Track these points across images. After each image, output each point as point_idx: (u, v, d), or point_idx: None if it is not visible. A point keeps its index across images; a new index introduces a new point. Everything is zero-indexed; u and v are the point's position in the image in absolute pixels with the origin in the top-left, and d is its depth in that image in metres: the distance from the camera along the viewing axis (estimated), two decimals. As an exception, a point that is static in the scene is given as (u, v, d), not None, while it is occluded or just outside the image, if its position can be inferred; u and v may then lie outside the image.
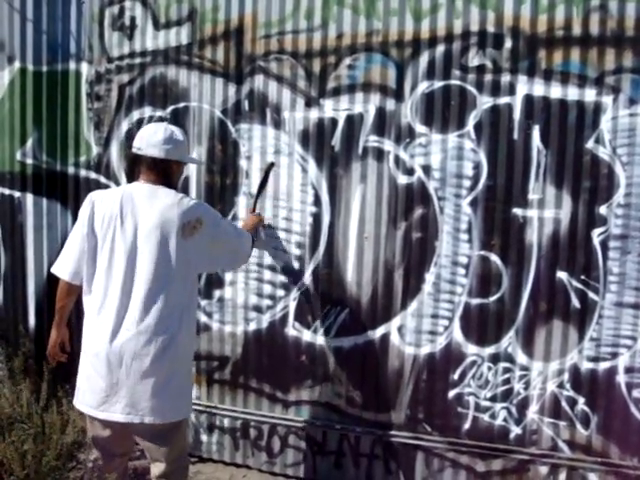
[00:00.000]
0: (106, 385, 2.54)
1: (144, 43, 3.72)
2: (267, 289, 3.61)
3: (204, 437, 3.80)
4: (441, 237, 3.28)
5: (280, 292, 3.59)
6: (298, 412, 3.60)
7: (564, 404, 3.22)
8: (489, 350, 3.28)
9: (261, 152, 3.54)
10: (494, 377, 3.28)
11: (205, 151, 3.64)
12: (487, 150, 3.18)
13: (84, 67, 3.85)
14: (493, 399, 3.30)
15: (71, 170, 3.94)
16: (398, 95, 3.28)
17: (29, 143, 3.94)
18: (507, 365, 3.26)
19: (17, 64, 3.91)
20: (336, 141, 3.40)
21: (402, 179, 3.32)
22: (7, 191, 4.02)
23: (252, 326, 3.65)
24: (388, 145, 3.32)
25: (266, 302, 3.61)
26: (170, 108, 3.70)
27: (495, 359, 3.27)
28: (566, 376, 3.19)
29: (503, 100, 3.15)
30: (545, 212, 3.15)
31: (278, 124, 3.50)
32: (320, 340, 3.52)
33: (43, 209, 3.99)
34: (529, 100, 3.11)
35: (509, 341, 3.24)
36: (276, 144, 3.51)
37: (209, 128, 3.62)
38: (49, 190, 3.97)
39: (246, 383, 3.68)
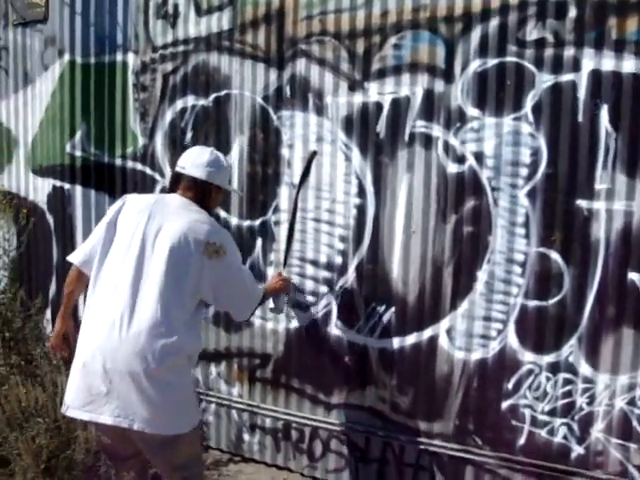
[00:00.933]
0: (97, 385, 2.40)
1: (187, 30, 3.63)
2: (309, 285, 3.42)
3: (246, 436, 3.69)
4: (495, 232, 2.99)
5: (323, 289, 3.39)
6: (340, 415, 3.40)
7: (635, 424, 2.84)
8: (548, 358, 2.95)
9: (303, 140, 3.37)
10: (553, 389, 2.95)
11: (247, 140, 3.52)
12: (547, 134, 2.86)
13: (130, 57, 3.83)
14: (552, 413, 2.97)
15: (118, 162, 3.93)
16: (448, 75, 3.01)
17: (78, 135, 3.97)
18: (568, 376, 2.93)
19: (67, 57, 3.95)
20: (381, 127, 3.17)
21: (452, 168, 3.05)
22: (58, 183, 4.07)
23: (294, 323, 3.47)
24: (437, 130, 3.06)
25: (308, 299, 3.43)
26: (212, 96, 3.59)
27: (555, 369, 2.94)
28: (638, 392, 2.81)
29: (566, 77, 2.80)
30: (614, 204, 2.78)
31: (320, 110, 3.31)
32: (364, 340, 3.31)
33: (91, 200, 4.02)
34: (596, 76, 2.75)
35: (571, 349, 2.90)
36: (318, 131, 3.33)
37: (250, 116, 3.49)
38: (97, 182, 3.99)
39: (288, 383, 3.54)
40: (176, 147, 3.71)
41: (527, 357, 2.98)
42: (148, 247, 2.46)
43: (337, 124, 3.27)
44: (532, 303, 2.95)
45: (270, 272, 3.54)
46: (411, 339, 3.20)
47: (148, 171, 3.85)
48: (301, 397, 3.51)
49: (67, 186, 4.03)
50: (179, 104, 3.70)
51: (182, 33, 3.65)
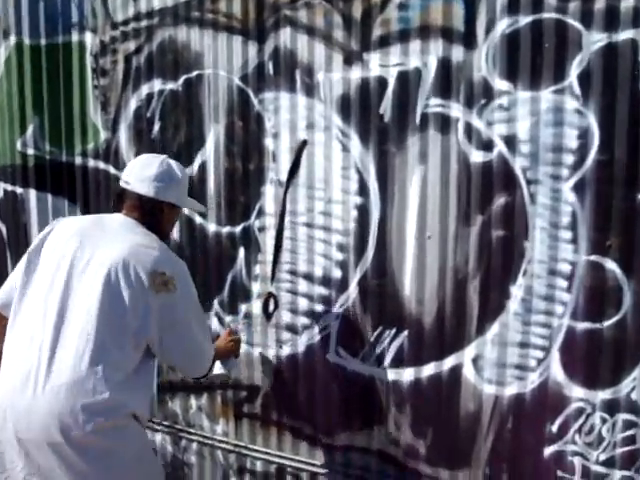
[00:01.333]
0: (10, 458, 1.91)
1: (150, 1, 3.10)
2: (302, 304, 2.85)
3: (234, 480, 3.14)
4: (533, 236, 2.40)
5: (319, 308, 2.82)
6: (343, 460, 2.86)
7: None
8: (603, 395, 2.36)
9: (290, 127, 2.81)
10: (610, 433, 2.37)
11: (223, 129, 2.98)
12: (599, 111, 2.25)
13: (88, 37, 3.31)
14: (610, 463, 2.38)
15: (78, 160, 3.44)
16: (468, 40, 2.42)
17: (29, 130, 3.52)
18: (630, 417, 2.34)
19: (13, 38, 3.49)
20: (386, 108, 2.59)
21: (476, 156, 2.46)
22: (9, 187, 3.58)
23: (286, 350, 2.90)
24: (456, 110, 2.47)
25: (302, 320, 2.85)
26: (182, 78, 3.07)
27: (612, 408, 2.35)
28: None
29: (624, 36, 2.19)
30: (688, 198, 2.17)
31: (311, 90, 2.74)
32: (370, 371, 2.76)
33: (48, 206, 3.55)
34: (665, 32, 2.14)
35: (633, 384, 2.31)
36: (309, 116, 2.76)
37: (227, 100, 2.95)
38: (54, 184, 3.51)
39: (280, 420, 3.03)
40: (142, 141, 3.21)
41: (576, 393, 2.41)
42: (75, 279, 2.00)
43: (331, 106, 2.71)
44: (582, 325, 2.37)
45: (255, 288, 2.97)
46: (429, 369, 2.64)
47: (112, 170, 3.34)
48: (296, 437, 2.99)
49: (19, 190, 3.57)
50: (144, 89, 3.17)
51: (145, 5, 3.10)
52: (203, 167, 3.03)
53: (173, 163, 2.25)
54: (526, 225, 2.41)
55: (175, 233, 3.16)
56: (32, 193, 3.50)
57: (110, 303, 1.95)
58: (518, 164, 2.39)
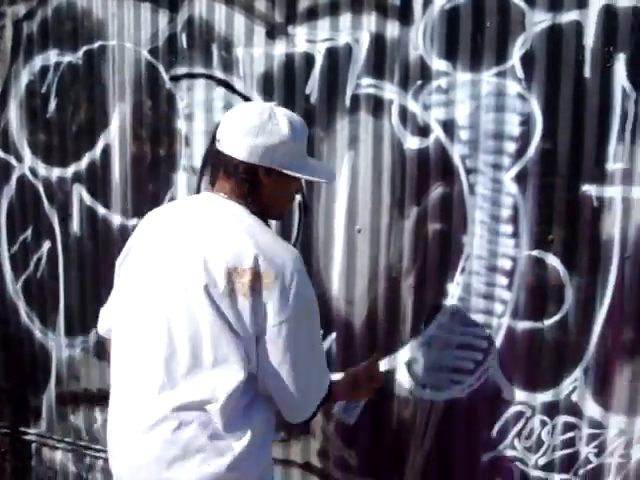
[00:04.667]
0: None
1: None
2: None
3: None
4: (472, 230, 2.25)
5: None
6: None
7: (658, 478, 2.18)
8: (543, 397, 2.25)
9: (206, 108, 2.55)
10: (550, 436, 2.27)
11: (130, 109, 2.69)
12: (542, 96, 2.11)
13: None
14: (549, 467, 2.28)
15: None
16: (404, 15, 2.22)
17: None
18: (571, 420, 2.24)
19: None
20: (312, 88, 2.37)
21: (411, 142, 2.28)
22: None
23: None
24: (390, 91, 2.28)
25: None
26: (82, 50, 2.74)
27: (552, 411, 2.25)
28: (663, 438, 2.15)
29: (567, 17, 2.05)
30: (633, 190, 2.07)
31: (229, 66, 2.48)
32: None
33: None
34: (610, 15, 2.02)
35: (574, 385, 2.21)
36: (226, 95, 2.50)
37: (134, 76, 2.67)
38: None
39: None
40: (37, 120, 2.85)
41: (516, 396, 2.29)
42: (155, 302, 1.57)
43: (252, 85, 2.46)
44: (522, 325, 2.24)
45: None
46: (359, 374, 2.41)
47: (0, 154, 2.94)
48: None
49: None
50: (38, 61, 2.83)
51: (37, -37, 2.72)
52: (106, 152, 2.72)
53: (281, 112, 1.61)
54: (465, 218, 2.25)
55: (75, 226, 2.83)
56: None
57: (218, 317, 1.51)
58: (457, 152, 2.23)
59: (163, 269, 1.57)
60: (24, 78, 2.84)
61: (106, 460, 2.86)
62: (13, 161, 2.92)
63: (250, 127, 1.55)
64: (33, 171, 2.88)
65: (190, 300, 1.51)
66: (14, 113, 2.88)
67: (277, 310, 1.50)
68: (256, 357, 1.53)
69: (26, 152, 2.89)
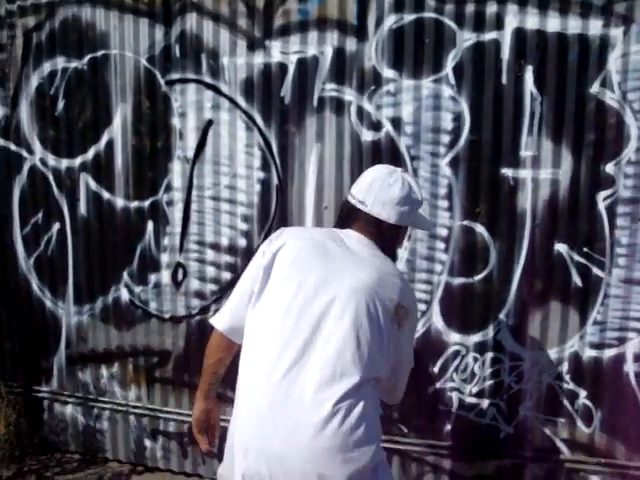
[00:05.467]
0: None
1: None
2: (210, 272, 3.04)
3: (148, 443, 3.33)
4: (416, 205, 2.72)
5: (225, 275, 3.03)
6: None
7: (563, 398, 2.75)
8: (475, 338, 2.79)
9: (197, 108, 2.97)
10: (481, 369, 2.80)
11: (130, 108, 3.06)
12: (470, 98, 2.64)
13: None
14: (480, 395, 2.83)
15: None
16: (360, 33, 2.71)
17: None
18: (496, 355, 2.78)
19: None
20: (286, 91, 2.83)
21: (367, 135, 2.77)
22: None
23: (196, 316, 3.09)
24: (349, 94, 2.76)
25: (210, 287, 3.05)
26: (87, 57, 3.09)
27: (482, 348, 2.79)
28: (565, 366, 2.73)
29: (489, 36, 2.59)
30: (541, 172, 2.63)
31: (216, 73, 2.91)
32: None
33: None
34: (521, 35, 2.56)
35: (498, 327, 2.75)
36: (214, 98, 2.93)
37: (134, 80, 3.03)
38: None
39: (191, 381, 3.17)
40: (46, 118, 3.21)
41: (453, 338, 2.81)
42: (321, 306, 1.73)
43: (236, 89, 2.90)
44: (457, 281, 2.77)
45: (164, 259, 3.12)
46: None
47: (13, 147, 3.29)
48: (208, 396, 3.15)
49: None
50: (47, 67, 3.18)
51: (45, -19, 3.09)
52: (110, 144, 3.10)
53: (412, 182, 1.92)
54: (410, 196, 2.76)
55: (82, 209, 3.21)
56: None
57: (365, 333, 1.70)
58: (403, 143, 2.73)
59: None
60: (34, 81, 3.18)
61: (111, 410, 3.30)
62: (25, 153, 3.25)
63: (400, 197, 1.85)
64: (43, 162, 3.22)
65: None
66: (25, 112, 3.21)
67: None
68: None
69: (37, 146, 3.22)
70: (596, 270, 2.62)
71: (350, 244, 1.85)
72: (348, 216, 1.93)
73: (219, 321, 1.92)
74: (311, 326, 1.71)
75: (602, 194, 2.58)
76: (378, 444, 1.71)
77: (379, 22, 2.67)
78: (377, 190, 1.86)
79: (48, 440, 3.45)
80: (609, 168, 2.55)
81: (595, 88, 2.52)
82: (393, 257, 1.99)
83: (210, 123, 2.95)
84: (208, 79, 2.92)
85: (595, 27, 2.49)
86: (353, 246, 1.85)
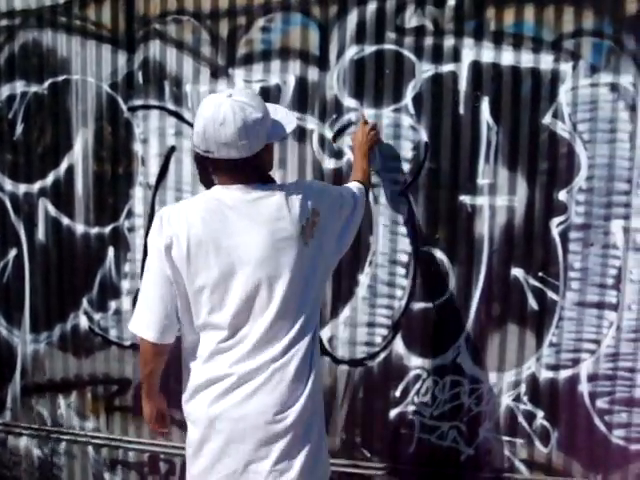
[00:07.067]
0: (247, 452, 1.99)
1: (10, 1, 3.05)
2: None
3: (107, 475, 3.23)
4: (376, 231, 2.81)
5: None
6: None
7: (521, 419, 2.82)
8: (435, 362, 2.84)
9: (159, 134, 2.98)
10: (441, 393, 2.85)
11: (92, 134, 3.04)
12: (428, 127, 2.72)
13: None
14: (441, 417, 2.87)
15: None
16: (322, 63, 2.77)
17: None
18: (456, 378, 2.83)
19: None
20: (250, 119, 2.82)
21: (329, 163, 2.82)
22: None
23: (157, 342, 3.05)
24: (311, 123, 2.82)
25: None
26: (48, 82, 3.07)
27: (442, 372, 2.84)
28: (523, 388, 2.79)
29: (446, 68, 2.68)
30: (497, 199, 2.71)
31: (179, 100, 2.92)
32: None
33: None
34: (476, 68, 2.66)
35: (458, 350, 2.81)
36: (177, 124, 2.95)
37: (96, 106, 3.04)
38: None
39: None
40: (4, 143, 3.17)
41: (414, 362, 2.85)
42: (242, 285, 1.88)
43: (199, 116, 2.90)
44: (418, 305, 2.82)
45: (125, 285, 3.09)
46: (291, 351, 2.91)
47: None
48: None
49: None
50: (5, 90, 3.15)
51: (4, 4, 3.08)
52: (71, 170, 3.07)
53: (240, 101, 1.82)
54: (371, 222, 2.80)
55: (40, 234, 3.16)
56: None
57: (288, 292, 1.89)
58: (364, 171, 2.79)
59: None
60: (-8, 105, 3.17)
61: (69, 442, 3.21)
62: (-8, 183, 3.18)
63: (235, 133, 1.79)
64: (0, 187, 3.17)
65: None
66: (-19, 135, 3.20)
67: None
68: None
69: (-5, 175, 3.17)
70: (551, 294, 2.71)
71: (231, 203, 1.87)
72: (204, 167, 1.93)
73: (146, 331, 1.96)
74: (244, 306, 1.88)
75: (555, 220, 2.67)
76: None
77: (340, 53, 2.74)
78: (213, 136, 1.81)
79: (0, 476, 3.34)
80: (562, 195, 2.66)
81: (547, 119, 2.63)
82: (269, 177, 1.98)
83: (172, 150, 2.96)
84: (171, 106, 2.94)
85: (546, 62, 2.60)
86: (234, 204, 1.87)
